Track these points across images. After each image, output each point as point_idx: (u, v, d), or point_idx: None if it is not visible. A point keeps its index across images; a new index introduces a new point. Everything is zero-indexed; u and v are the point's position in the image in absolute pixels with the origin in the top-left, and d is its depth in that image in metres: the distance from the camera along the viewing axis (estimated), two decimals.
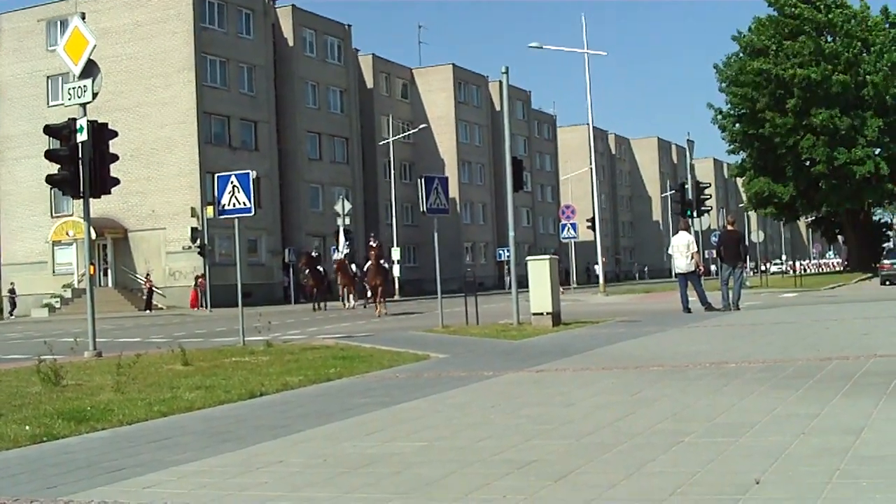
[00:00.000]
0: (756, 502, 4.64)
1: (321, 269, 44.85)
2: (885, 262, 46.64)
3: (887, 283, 44.32)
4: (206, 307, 50.61)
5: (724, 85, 62.59)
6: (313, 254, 46.46)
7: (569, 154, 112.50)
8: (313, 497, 5.40)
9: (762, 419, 6.85)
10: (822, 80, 56.40)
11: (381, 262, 35.04)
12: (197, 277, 53.54)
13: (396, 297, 60.48)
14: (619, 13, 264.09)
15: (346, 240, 48.02)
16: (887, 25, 60.59)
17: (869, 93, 57.16)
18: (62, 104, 20.76)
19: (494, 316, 24.91)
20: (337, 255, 44.35)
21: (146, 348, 18.62)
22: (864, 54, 59.10)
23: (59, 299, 56.23)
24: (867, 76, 57.22)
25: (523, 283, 21.46)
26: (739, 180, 79.15)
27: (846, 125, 56.28)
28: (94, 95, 17.90)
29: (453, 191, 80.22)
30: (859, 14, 60.75)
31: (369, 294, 36.78)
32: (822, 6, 59.84)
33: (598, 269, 51.73)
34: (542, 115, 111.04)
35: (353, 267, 42.35)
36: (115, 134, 18.62)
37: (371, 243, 36.38)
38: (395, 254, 64.02)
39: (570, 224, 49.81)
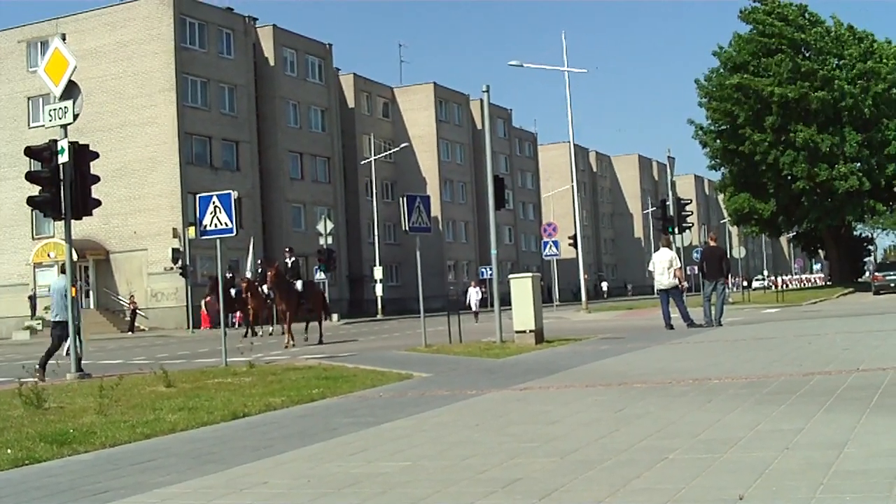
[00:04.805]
0: None
1: (233, 292, 39.23)
2: (878, 273, 52.36)
3: (881, 292, 48.14)
4: (190, 328, 50.41)
5: (704, 101, 62.87)
6: (228, 274, 40.28)
7: (550, 172, 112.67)
8: None
9: (746, 435, 6.87)
10: (800, 98, 56.74)
11: (295, 281, 28.71)
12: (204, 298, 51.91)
13: (379, 317, 60.43)
14: (600, 31, 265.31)
15: (256, 258, 43.78)
16: (855, 42, 61.11)
17: (847, 104, 57.36)
18: (43, 125, 20.72)
19: (477, 334, 24.92)
20: (248, 275, 40.12)
21: (129, 370, 18.58)
22: (838, 70, 59.52)
23: (40, 322, 55.89)
24: (844, 89, 57.47)
25: (505, 300, 21.48)
26: (721, 196, 79.57)
27: (827, 143, 56.56)
28: (75, 117, 17.90)
29: (435, 209, 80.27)
30: (833, 31, 61.29)
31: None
32: (797, 25, 60.30)
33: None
34: (524, 132, 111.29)
35: (265, 288, 34.87)
36: (96, 155, 18.60)
37: (287, 259, 30.39)
38: (378, 272, 63.96)
39: (552, 241, 50.06)
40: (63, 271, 19.27)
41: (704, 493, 5.20)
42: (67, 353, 18.35)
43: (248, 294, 35.63)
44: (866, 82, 58.43)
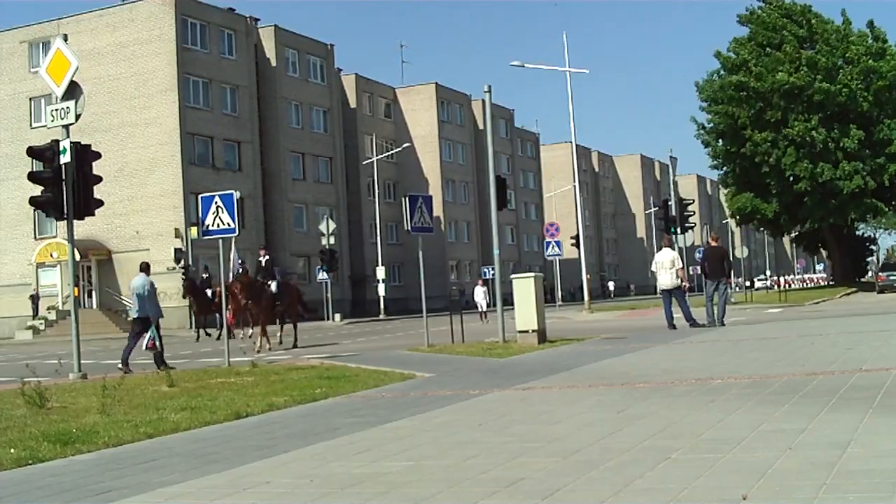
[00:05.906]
0: None
1: (209, 292, 38.29)
2: (882, 273, 54.45)
3: (886, 292, 49.74)
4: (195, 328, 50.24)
5: (704, 104, 62.72)
6: (203, 275, 41.10)
7: (552, 172, 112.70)
8: None
9: (748, 435, 6.86)
10: (805, 85, 56.43)
11: (269, 283, 27.73)
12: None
13: (381, 317, 60.43)
14: (601, 31, 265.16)
15: (239, 258, 42.97)
16: (871, 40, 60.81)
17: (844, 95, 57.02)
18: (45, 126, 20.74)
19: (480, 334, 24.90)
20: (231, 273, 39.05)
21: (131, 370, 18.56)
22: (844, 64, 59.28)
23: (43, 321, 55.91)
24: (846, 85, 57.22)
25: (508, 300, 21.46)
26: (723, 196, 79.51)
27: (822, 137, 56.36)
28: (77, 117, 17.89)
29: (437, 209, 79.75)
30: (841, 29, 61.05)
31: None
32: (802, 21, 60.13)
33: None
34: (526, 133, 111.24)
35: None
36: (98, 155, 18.62)
37: (260, 258, 29.10)
38: (380, 273, 63.97)
39: (555, 242, 50.01)
40: (143, 270, 19.80)
41: (707, 493, 5.20)
42: (146, 348, 19.04)
43: (231, 294, 34.79)
44: (869, 79, 58.22)
